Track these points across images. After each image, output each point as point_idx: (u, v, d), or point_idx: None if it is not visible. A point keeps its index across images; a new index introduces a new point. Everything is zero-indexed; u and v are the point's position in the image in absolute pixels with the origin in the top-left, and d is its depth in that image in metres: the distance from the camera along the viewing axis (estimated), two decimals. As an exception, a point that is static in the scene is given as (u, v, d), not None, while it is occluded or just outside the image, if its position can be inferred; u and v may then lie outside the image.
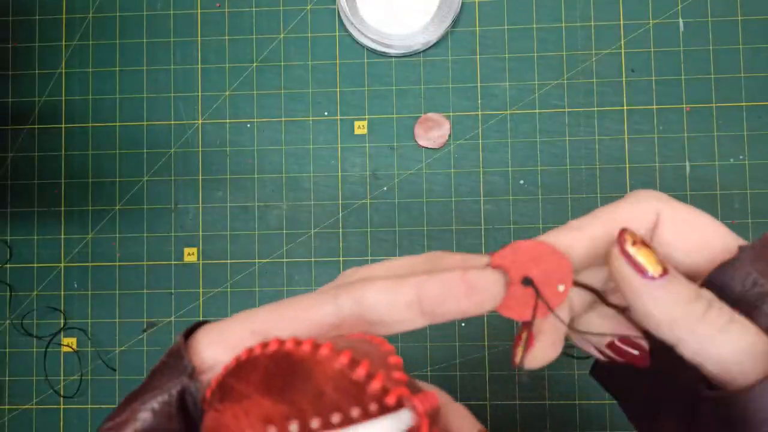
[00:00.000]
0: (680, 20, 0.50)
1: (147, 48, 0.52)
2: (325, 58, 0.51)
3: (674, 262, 0.21)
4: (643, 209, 0.21)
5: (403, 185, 0.51)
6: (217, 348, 0.20)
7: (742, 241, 0.21)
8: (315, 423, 0.15)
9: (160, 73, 0.52)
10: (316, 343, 0.16)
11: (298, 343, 0.17)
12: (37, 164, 0.52)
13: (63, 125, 0.52)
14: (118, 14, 0.53)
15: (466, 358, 0.49)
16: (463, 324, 0.50)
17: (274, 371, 0.16)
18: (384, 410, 0.15)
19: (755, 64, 0.49)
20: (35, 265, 0.52)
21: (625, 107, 0.50)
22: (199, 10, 0.52)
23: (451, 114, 0.51)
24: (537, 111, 0.50)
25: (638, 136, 0.50)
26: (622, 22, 0.50)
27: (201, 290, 0.51)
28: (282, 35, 0.52)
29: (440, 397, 0.20)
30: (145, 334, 0.51)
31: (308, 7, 0.52)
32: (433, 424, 0.16)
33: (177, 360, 0.20)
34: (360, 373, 0.16)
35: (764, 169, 0.49)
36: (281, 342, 0.17)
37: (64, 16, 0.53)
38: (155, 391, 0.19)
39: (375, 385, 0.15)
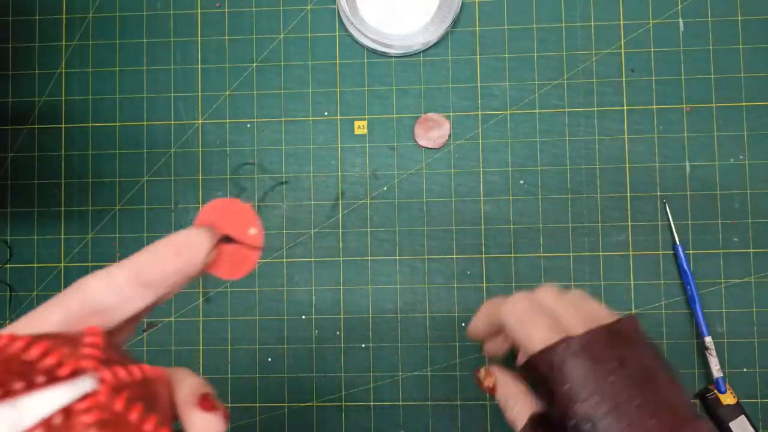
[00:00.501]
0: (680, 20, 0.50)
1: (147, 48, 0.52)
2: (325, 58, 0.51)
3: None
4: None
5: (403, 185, 0.51)
6: None
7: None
8: None
9: (160, 73, 0.52)
10: (14, 336, 0.18)
11: None
12: (37, 164, 0.52)
13: (63, 125, 0.52)
14: (118, 14, 0.53)
15: (466, 358, 0.49)
16: (463, 324, 0.50)
17: None
18: (54, 381, 0.17)
19: (755, 64, 0.49)
20: (35, 265, 0.52)
21: (625, 107, 0.50)
22: (199, 10, 0.52)
23: (451, 114, 0.51)
24: (537, 111, 0.50)
25: (638, 136, 0.50)
26: (622, 22, 0.50)
27: (201, 290, 0.51)
28: (282, 35, 0.52)
29: (170, 371, 0.22)
30: (145, 334, 0.51)
31: (308, 7, 0.52)
32: (121, 390, 0.17)
33: None
34: (33, 353, 0.17)
35: (764, 169, 0.49)
36: None
37: (64, 16, 0.53)
38: None
39: (48, 361, 0.17)
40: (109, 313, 0.20)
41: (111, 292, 0.20)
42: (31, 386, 0.17)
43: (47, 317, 0.20)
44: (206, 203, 0.23)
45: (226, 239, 0.23)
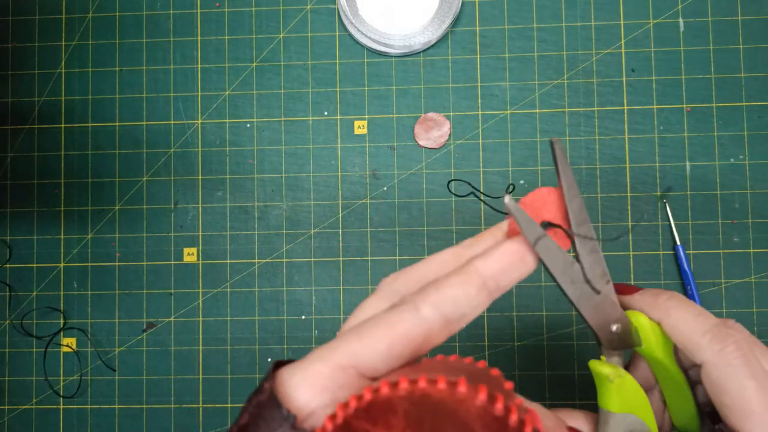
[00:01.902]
0: (680, 20, 0.50)
1: (146, 48, 0.52)
2: (324, 58, 0.51)
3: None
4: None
5: (402, 185, 0.51)
6: (308, 391, 0.19)
7: None
8: None
9: (159, 73, 0.52)
10: (450, 381, 0.16)
11: (431, 381, 0.16)
12: (36, 164, 0.52)
13: (63, 125, 0.52)
14: (117, 14, 0.53)
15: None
16: (463, 324, 0.49)
17: (417, 413, 0.16)
18: None
19: (755, 64, 0.49)
20: (35, 265, 0.52)
21: (625, 107, 0.50)
22: (198, 10, 0.52)
23: (451, 114, 0.51)
24: (537, 111, 0.50)
25: (638, 136, 0.50)
26: (622, 22, 0.50)
27: (201, 290, 0.51)
28: (282, 35, 0.52)
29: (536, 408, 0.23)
30: (144, 334, 0.51)
31: (308, 7, 0.52)
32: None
33: (272, 410, 0.19)
34: (499, 407, 0.16)
35: (764, 169, 0.49)
36: (411, 381, 0.17)
37: (63, 16, 0.53)
38: None
39: (513, 418, 0.16)
40: (455, 324, 0.21)
41: (468, 300, 0.21)
42: None
43: (407, 325, 0.20)
44: (533, 191, 0.25)
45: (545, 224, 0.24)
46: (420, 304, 0.20)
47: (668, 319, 0.25)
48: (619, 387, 0.24)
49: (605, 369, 0.24)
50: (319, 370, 0.19)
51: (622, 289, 0.27)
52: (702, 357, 0.23)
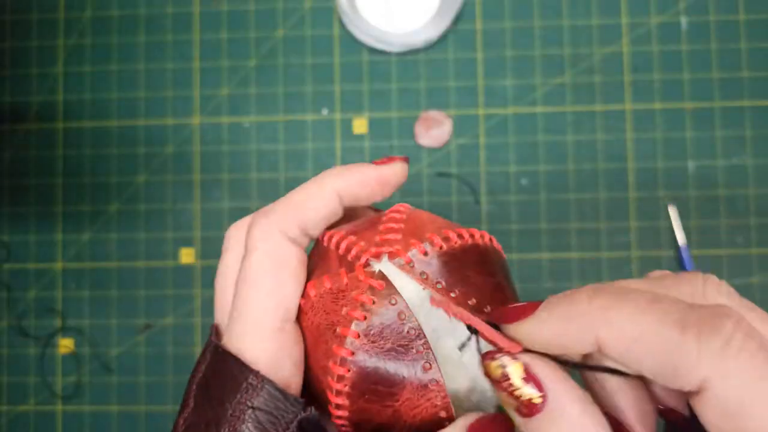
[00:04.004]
0: (683, 18, 0.50)
1: (145, 47, 0.52)
2: (324, 57, 0.51)
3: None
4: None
5: (403, 185, 0.50)
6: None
7: None
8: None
9: (157, 72, 0.52)
10: (482, 234, 0.22)
11: (476, 235, 0.22)
12: (34, 164, 0.52)
13: (61, 125, 0.52)
14: (115, 13, 0.52)
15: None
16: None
17: (478, 257, 0.21)
18: None
19: (758, 63, 0.49)
20: (32, 265, 0.52)
21: (627, 106, 0.49)
22: (197, 9, 0.52)
23: (453, 113, 0.50)
24: (538, 109, 0.50)
25: (640, 135, 0.49)
26: (624, 21, 0.50)
27: (200, 291, 0.51)
28: (281, 33, 0.51)
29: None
30: (142, 335, 0.51)
31: (307, 5, 0.51)
32: None
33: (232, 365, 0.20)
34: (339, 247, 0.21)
35: (767, 170, 0.49)
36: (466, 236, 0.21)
37: (61, 16, 0.53)
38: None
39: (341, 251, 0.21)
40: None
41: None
42: None
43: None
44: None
45: None
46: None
47: (609, 331, 0.14)
48: None
49: None
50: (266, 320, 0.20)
51: (507, 316, 0.17)
52: (698, 372, 0.13)
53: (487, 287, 0.21)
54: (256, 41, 0.51)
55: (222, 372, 0.19)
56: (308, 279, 0.21)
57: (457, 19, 0.51)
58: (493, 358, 0.16)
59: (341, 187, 0.22)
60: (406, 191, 0.50)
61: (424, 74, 0.50)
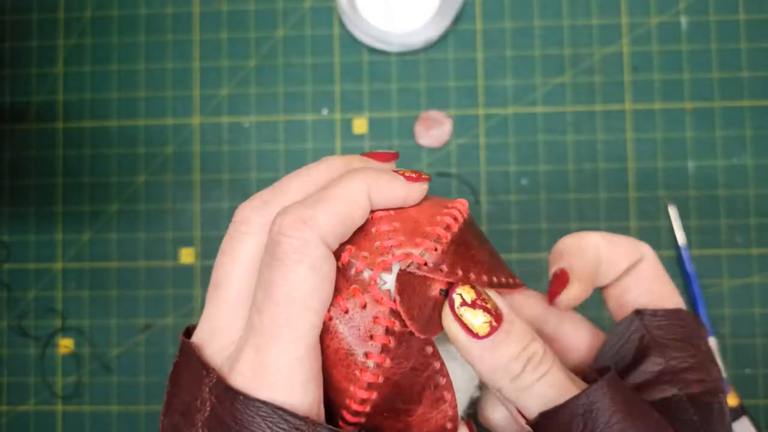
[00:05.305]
0: (683, 18, 0.50)
1: (145, 47, 0.52)
2: (324, 57, 0.51)
3: (627, 296, 0.24)
4: (637, 247, 0.24)
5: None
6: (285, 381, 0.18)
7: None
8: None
9: (157, 72, 0.52)
10: (461, 205, 0.22)
11: (461, 209, 0.22)
12: (34, 164, 0.52)
13: (60, 125, 0.52)
14: (115, 13, 0.52)
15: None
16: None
17: (472, 232, 0.22)
18: None
19: (758, 63, 0.49)
20: (32, 265, 0.52)
21: (627, 106, 0.49)
22: (197, 9, 0.52)
23: (453, 113, 0.50)
24: (538, 109, 0.50)
25: (640, 135, 0.49)
26: (624, 20, 0.50)
27: (200, 291, 0.51)
28: (281, 33, 0.51)
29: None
30: (143, 335, 0.51)
31: (307, 5, 0.51)
32: None
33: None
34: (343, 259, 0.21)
35: (767, 170, 0.49)
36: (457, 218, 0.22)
37: (61, 15, 0.52)
38: None
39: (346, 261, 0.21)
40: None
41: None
42: None
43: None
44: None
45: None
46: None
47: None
48: None
49: None
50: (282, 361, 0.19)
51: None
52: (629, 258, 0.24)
53: (487, 257, 0.21)
54: (256, 41, 0.51)
55: (253, 419, 0.17)
56: None
57: (457, 19, 0.50)
58: (473, 286, 0.20)
59: (375, 196, 0.20)
60: (406, 191, 0.50)
61: (424, 74, 0.50)
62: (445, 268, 0.19)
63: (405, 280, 0.19)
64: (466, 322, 0.19)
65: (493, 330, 0.19)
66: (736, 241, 0.48)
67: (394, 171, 0.22)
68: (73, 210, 0.52)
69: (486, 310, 0.19)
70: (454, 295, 0.19)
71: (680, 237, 0.48)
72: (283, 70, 0.51)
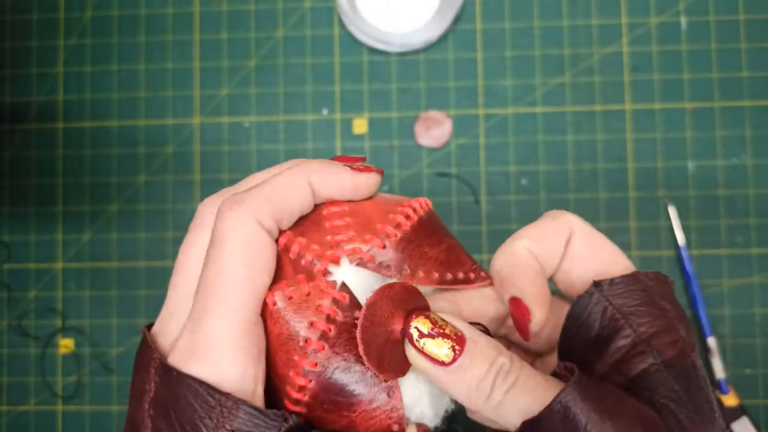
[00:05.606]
0: (682, 18, 0.50)
1: (145, 47, 0.52)
2: (324, 57, 0.51)
3: (572, 276, 0.23)
4: (562, 224, 0.23)
5: (403, 185, 0.50)
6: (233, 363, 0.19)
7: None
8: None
9: (157, 73, 0.52)
10: (419, 203, 0.22)
11: (417, 208, 0.22)
12: (34, 164, 0.52)
13: (61, 125, 0.52)
14: (115, 13, 0.52)
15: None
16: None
17: (427, 230, 0.22)
18: None
19: (758, 63, 0.49)
20: (32, 265, 0.52)
21: (627, 106, 0.49)
22: (197, 9, 0.52)
23: (453, 113, 0.50)
24: (538, 109, 0.50)
25: (640, 135, 0.49)
26: (623, 21, 0.50)
27: (199, 291, 0.51)
28: (281, 33, 0.51)
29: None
30: (142, 335, 0.51)
31: (307, 5, 0.51)
32: None
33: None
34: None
35: (767, 170, 0.49)
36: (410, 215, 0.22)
37: (61, 16, 0.53)
38: None
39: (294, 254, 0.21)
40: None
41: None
42: None
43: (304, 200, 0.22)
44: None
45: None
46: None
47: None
48: None
49: None
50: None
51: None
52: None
53: (442, 254, 0.21)
54: (256, 41, 0.51)
55: (184, 395, 0.18)
56: None
57: (457, 19, 0.51)
58: (427, 316, 0.20)
59: (318, 184, 0.21)
60: (406, 191, 0.50)
61: (423, 74, 0.50)
62: (391, 265, 0.20)
63: (366, 326, 0.19)
64: (429, 353, 0.19)
65: (458, 354, 0.19)
66: (735, 241, 0.48)
67: (343, 163, 0.22)
68: (73, 210, 0.52)
69: (445, 336, 0.19)
70: (411, 330, 0.19)
71: (680, 237, 0.48)
72: (283, 70, 0.51)
